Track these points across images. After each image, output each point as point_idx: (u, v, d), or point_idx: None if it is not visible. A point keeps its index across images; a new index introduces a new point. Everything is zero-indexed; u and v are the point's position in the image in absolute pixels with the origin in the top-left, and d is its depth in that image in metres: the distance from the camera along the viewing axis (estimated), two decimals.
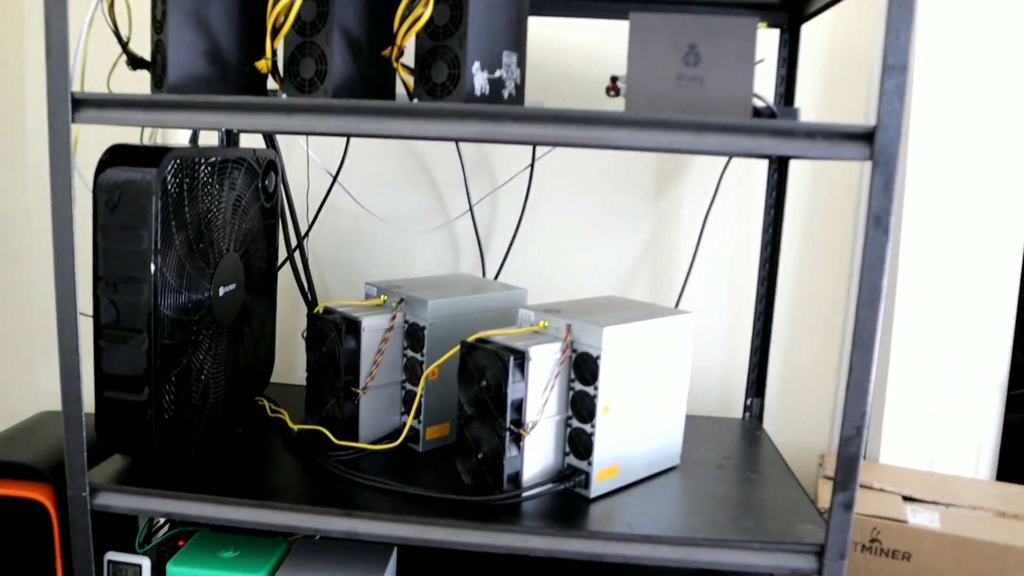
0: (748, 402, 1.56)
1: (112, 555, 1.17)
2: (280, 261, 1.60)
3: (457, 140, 1.20)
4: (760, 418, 1.55)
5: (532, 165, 1.58)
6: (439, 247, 1.67)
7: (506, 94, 1.07)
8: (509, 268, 1.65)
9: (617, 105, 1.04)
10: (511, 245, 1.63)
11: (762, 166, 1.60)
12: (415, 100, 1.04)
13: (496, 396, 1.09)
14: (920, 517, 1.34)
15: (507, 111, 0.95)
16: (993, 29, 1.48)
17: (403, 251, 1.67)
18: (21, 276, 1.76)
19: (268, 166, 1.41)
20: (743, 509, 1.15)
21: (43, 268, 1.76)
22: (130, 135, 1.50)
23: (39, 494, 1.34)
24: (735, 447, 1.40)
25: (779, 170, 1.49)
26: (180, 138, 1.61)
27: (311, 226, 1.63)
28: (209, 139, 1.59)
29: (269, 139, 1.51)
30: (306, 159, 1.64)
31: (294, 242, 1.58)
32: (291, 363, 1.72)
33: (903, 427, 1.60)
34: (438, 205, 1.65)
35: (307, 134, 1.46)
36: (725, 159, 1.58)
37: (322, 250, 1.68)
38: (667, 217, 1.63)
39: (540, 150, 1.60)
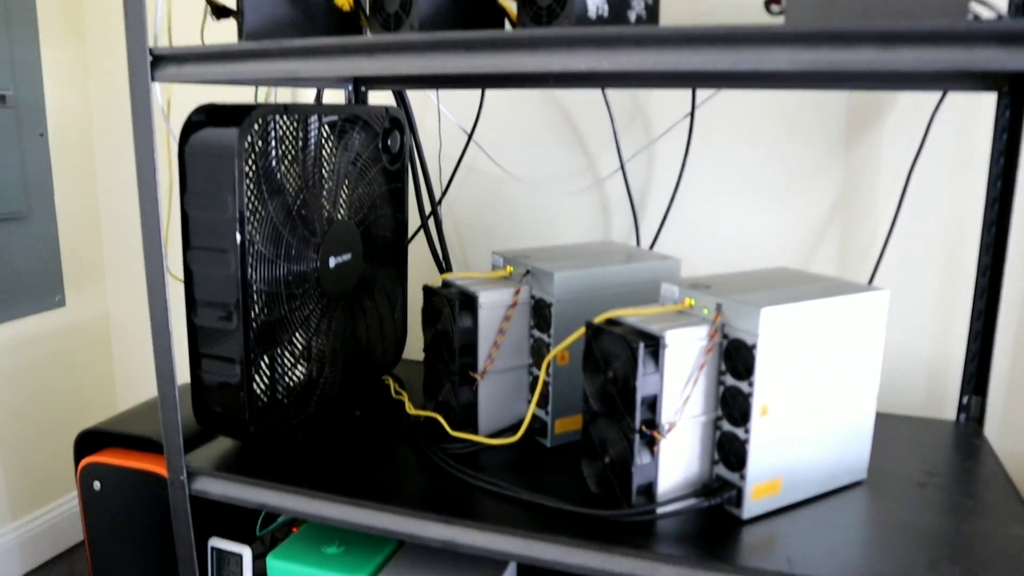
0: (964, 400, 1.25)
1: (215, 541, 1.10)
2: (412, 230, 1.48)
3: (564, 74, 1.01)
4: (980, 421, 1.24)
5: (692, 113, 1.34)
6: (588, 211, 1.47)
7: (633, 16, 0.85)
8: (667, 234, 1.43)
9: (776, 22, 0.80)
10: (669, 207, 1.40)
11: (989, 103, 1.27)
12: (514, 29, 0.85)
13: (624, 390, 0.90)
14: None
15: (623, 34, 0.75)
16: None
17: (548, 216, 1.50)
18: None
19: (391, 124, 1.28)
20: (949, 549, 0.88)
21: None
22: (250, 94, 1.42)
23: (163, 467, 1.31)
24: (944, 459, 1.12)
25: (1013, 104, 1.16)
26: (308, 95, 1.52)
27: (445, 190, 1.49)
28: (335, 97, 1.49)
29: (399, 95, 1.38)
30: (437, 116, 1.50)
31: (427, 208, 1.45)
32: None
33: None
34: (586, 163, 1.46)
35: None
36: (938, 95, 1.27)
37: (459, 216, 1.54)
38: (861, 171, 1.33)
39: (701, 94, 1.36)
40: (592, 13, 0.81)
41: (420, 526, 0.94)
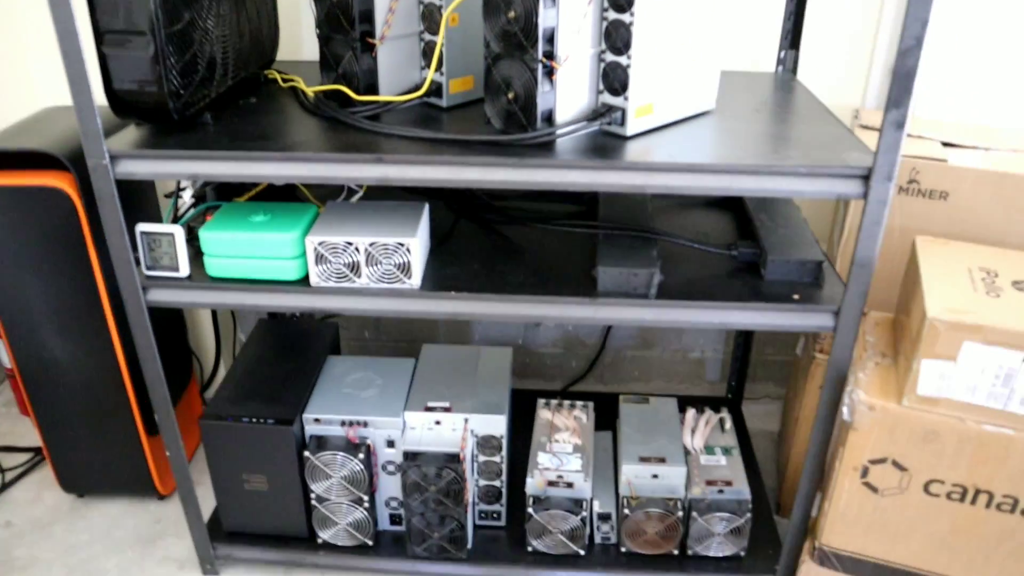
0: (782, 55, 1.47)
1: (143, 226, 1.15)
2: None
3: None
4: (794, 71, 1.47)
5: None
6: None
7: None
8: None
9: None
10: None
11: None
12: None
13: (526, 27, 1.01)
14: (960, 158, 1.30)
15: None
16: None
17: None
18: None
19: None
20: (784, 144, 1.10)
21: None
22: None
23: (61, 181, 1.31)
24: (771, 95, 1.34)
25: None
26: None
27: None
28: None
29: None
30: None
31: None
32: (296, 39, 1.62)
33: (941, 81, 1.53)
34: None
35: None
36: None
37: None
38: None
39: None
40: None
41: (354, 169, 1.05)
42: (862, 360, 1.13)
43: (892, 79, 0.96)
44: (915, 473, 1.08)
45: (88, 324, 1.42)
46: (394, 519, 1.44)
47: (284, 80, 1.34)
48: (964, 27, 1.50)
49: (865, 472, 1.11)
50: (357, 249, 1.11)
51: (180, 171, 1.08)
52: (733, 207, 1.41)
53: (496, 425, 1.35)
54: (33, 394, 1.51)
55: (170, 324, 1.64)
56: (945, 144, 1.37)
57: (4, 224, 1.34)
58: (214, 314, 1.82)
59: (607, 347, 1.87)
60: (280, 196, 1.33)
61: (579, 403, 1.53)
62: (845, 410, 1.09)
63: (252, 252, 1.14)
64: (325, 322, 1.67)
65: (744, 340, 1.69)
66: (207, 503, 1.45)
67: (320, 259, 1.12)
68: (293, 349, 1.52)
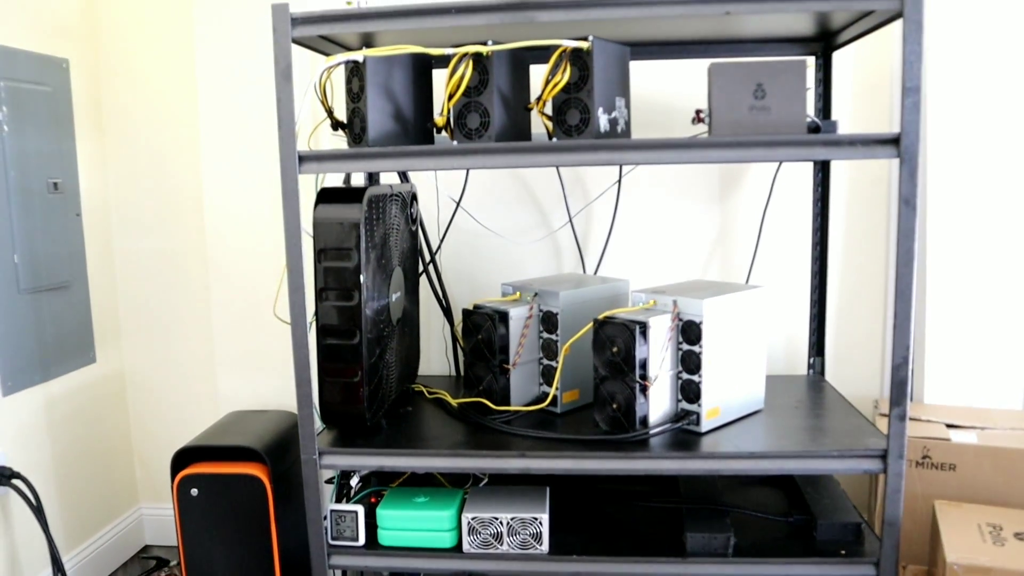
0: (811, 361, 1.88)
1: (333, 506, 1.51)
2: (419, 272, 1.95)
3: (590, 164, 1.53)
4: (822, 372, 1.87)
5: (620, 181, 1.92)
6: (544, 254, 2.01)
7: (619, 129, 1.41)
8: (605, 264, 1.99)
9: (701, 130, 1.38)
10: (606, 246, 1.97)
11: (807, 168, 1.93)
12: (553, 139, 1.39)
13: (626, 358, 1.43)
14: (961, 436, 1.65)
15: (630, 143, 1.30)
16: (994, 48, 1.81)
17: (513, 259, 2.02)
18: (198, 298, 2.13)
19: (412, 198, 1.76)
20: (819, 433, 1.47)
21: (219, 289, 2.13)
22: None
23: (257, 471, 1.69)
24: (806, 394, 1.73)
25: (823, 170, 1.83)
26: (334, 179, 1.96)
27: (440, 244, 1.98)
28: (357, 180, 1.95)
29: (403, 176, 1.87)
30: (436, 190, 1.99)
31: (427, 256, 1.93)
32: (426, 358, 2.07)
33: (942, 372, 1.93)
34: (541, 220, 2.00)
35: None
36: (775, 165, 1.92)
37: (448, 262, 2.03)
38: (731, 215, 1.96)
39: (625, 168, 1.94)
40: (602, 129, 1.35)
41: (503, 462, 1.42)
42: None
43: (891, 386, 1.35)
44: None
45: None
46: None
47: (429, 393, 1.76)
48: (960, 331, 1.92)
49: None
50: (501, 522, 1.45)
51: (373, 464, 1.46)
52: (783, 483, 1.75)
53: None
54: None
55: None
56: (949, 425, 1.72)
57: (206, 502, 1.70)
58: None
59: None
60: (421, 481, 1.69)
61: None
62: None
63: (417, 526, 1.49)
64: None
65: None
66: None
67: (472, 530, 1.46)
68: None
